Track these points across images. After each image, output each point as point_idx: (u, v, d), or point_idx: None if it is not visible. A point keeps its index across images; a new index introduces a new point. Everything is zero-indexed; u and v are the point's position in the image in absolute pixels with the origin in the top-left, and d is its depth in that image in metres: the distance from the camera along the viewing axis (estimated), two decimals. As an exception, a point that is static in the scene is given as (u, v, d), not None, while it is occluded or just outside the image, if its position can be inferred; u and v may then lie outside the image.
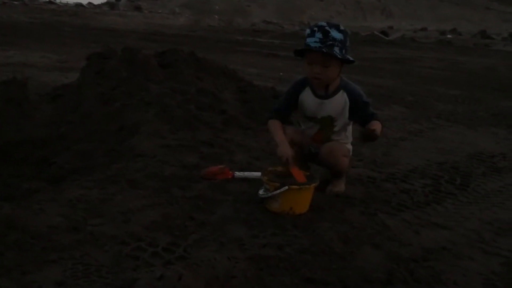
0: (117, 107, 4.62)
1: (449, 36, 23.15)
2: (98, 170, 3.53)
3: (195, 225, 2.72)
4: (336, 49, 3.07)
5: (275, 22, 27.90)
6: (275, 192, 2.90)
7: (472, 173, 4.09)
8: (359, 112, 3.26)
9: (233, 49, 14.06)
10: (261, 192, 3.00)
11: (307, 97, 3.31)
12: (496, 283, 2.40)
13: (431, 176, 3.92)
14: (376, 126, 3.07)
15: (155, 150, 3.84)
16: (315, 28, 3.09)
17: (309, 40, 3.11)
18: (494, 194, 3.65)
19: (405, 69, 11.71)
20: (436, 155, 4.55)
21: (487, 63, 13.70)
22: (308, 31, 3.15)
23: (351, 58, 3.16)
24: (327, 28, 3.06)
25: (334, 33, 3.06)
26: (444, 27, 27.26)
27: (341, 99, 3.27)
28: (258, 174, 3.24)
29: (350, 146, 3.47)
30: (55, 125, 4.64)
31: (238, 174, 3.44)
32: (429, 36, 22.96)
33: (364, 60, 12.13)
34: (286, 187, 2.88)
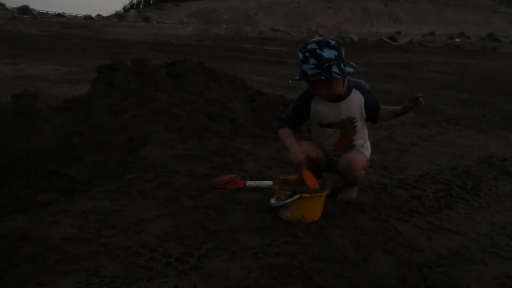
0: (127, 118, 4.65)
1: (457, 40, 23.12)
2: (109, 181, 3.56)
3: (207, 234, 2.73)
4: (334, 68, 3.04)
5: (283, 30, 27.98)
6: (287, 201, 2.90)
7: (483, 177, 4.06)
8: (371, 106, 3.28)
9: (241, 58, 14.12)
10: (272, 200, 3.00)
11: (321, 104, 3.27)
12: (510, 287, 2.39)
13: (442, 181, 3.90)
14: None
15: (166, 160, 3.86)
16: (307, 54, 3.03)
17: (304, 67, 3.08)
18: (506, 198, 3.62)
19: (413, 74, 11.69)
20: (447, 160, 4.53)
21: (495, 66, 13.66)
22: (300, 56, 3.09)
23: (351, 70, 3.14)
24: (318, 51, 3.00)
25: (327, 53, 3.01)
26: (451, 31, 27.23)
27: (356, 97, 3.26)
28: (269, 183, 3.24)
29: (368, 152, 3.45)
30: (66, 137, 4.68)
31: (249, 183, 3.45)
32: (437, 41, 22.95)
33: (373, 66, 12.14)
34: (298, 196, 2.88)
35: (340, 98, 3.23)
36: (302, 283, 2.29)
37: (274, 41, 21.44)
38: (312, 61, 3.02)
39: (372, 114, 3.30)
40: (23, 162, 4.41)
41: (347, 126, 3.30)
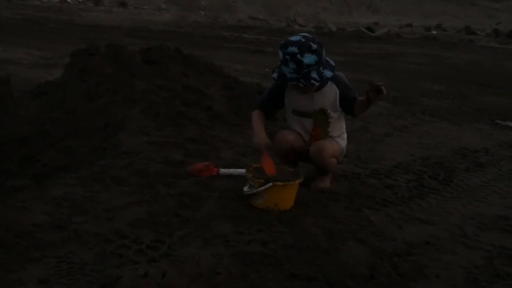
0: (102, 104, 4.60)
1: (434, 32, 23.31)
2: (83, 167, 3.52)
3: (180, 222, 2.72)
4: (313, 74, 3.05)
5: (262, 18, 27.88)
6: (260, 189, 2.91)
7: (455, 168, 4.12)
8: (346, 99, 3.26)
9: (219, 45, 14.03)
10: (246, 188, 3.01)
11: (295, 94, 3.27)
12: (477, 277, 2.43)
13: (415, 172, 3.95)
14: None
15: (140, 147, 3.83)
16: (287, 57, 3.02)
17: (284, 69, 3.08)
18: (476, 189, 3.69)
19: (390, 64, 11.76)
20: (421, 150, 4.58)
21: (471, 58, 13.80)
22: (280, 56, 3.07)
23: (329, 74, 3.13)
24: (299, 57, 2.98)
25: (307, 59, 3.00)
26: (429, 23, 27.42)
27: (330, 90, 3.25)
28: (243, 170, 3.24)
29: (343, 142, 3.46)
30: (39, 122, 4.61)
31: (223, 171, 3.44)
32: (415, 32, 23.10)
33: (350, 56, 12.19)
34: (271, 184, 2.89)
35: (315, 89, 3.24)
36: (274, 271, 2.30)
37: (253, 29, 21.34)
38: (292, 65, 3.02)
39: (348, 106, 3.29)
40: (-5, 147, 4.33)
41: (320, 118, 3.32)
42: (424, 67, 11.71)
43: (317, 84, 3.11)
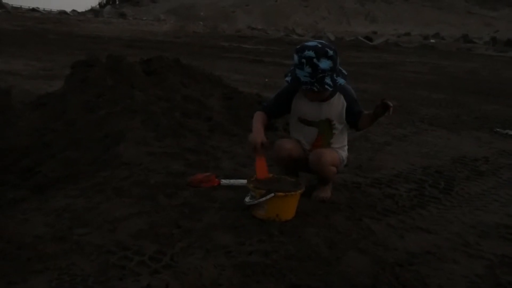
0: (102, 115, 4.61)
1: (432, 40, 23.42)
2: (84, 178, 3.52)
3: (182, 233, 2.72)
4: (327, 79, 3.07)
5: (260, 28, 27.99)
6: (261, 199, 2.90)
7: (455, 177, 4.13)
8: (352, 112, 3.28)
9: (218, 55, 14.09)
10: (247, 199, 3.00)
11: (303, 101, 3.29)
12: (480, 285, 2.43)
13: (415, 181, 3.95)
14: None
15: (141, 157, 3.84)
16: (303, 60, 3.03)
17: (298, 72, 3.09)
18: (477, 198, 3.68)
19: (389, 73, 11.80)
20: (420, 159, 4.59)
21: (469, 67, 13.87)
22: (296, 59, 3.09)
23: (342, 82, 3.16)
24: (315, 61, 3.01)
25: (323, 64, 3.02)
26: (427, 32, 27.55)
27: (338, 101, 3.27)
28: (244, 181, 3.24)
29: (344, 153, 3.46)
30: (40, 133, 4.61)
31: (224, 181, 3.44)
32: (413, 41, 23.21)
33: (349, 65, 12.22)
34: (272, 194, 2.89)
35: (323, 99, 3.26)
36: (276, 281, 2.30)
37: (251, 39, 21.44)
38: (307, 69, 3.03)
39: (353, 120, 3.30)
40: (-5, 159, 4.33)
41: (325, 128, 3.33)
42: (423, 76, 11.76)
43: (330, 89, 3.12)
